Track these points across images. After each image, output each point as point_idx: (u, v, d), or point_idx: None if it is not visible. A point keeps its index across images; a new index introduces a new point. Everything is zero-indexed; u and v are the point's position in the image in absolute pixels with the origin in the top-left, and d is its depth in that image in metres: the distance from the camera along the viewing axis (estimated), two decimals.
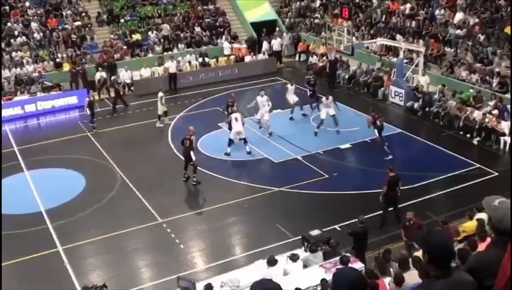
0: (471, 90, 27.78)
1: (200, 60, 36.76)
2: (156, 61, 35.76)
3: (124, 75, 34.25)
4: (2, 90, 31.52)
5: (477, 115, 25.87)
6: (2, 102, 30.32)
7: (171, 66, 34.64)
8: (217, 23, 40.64)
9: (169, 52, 37.07)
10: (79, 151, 25.84)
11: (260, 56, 38.08)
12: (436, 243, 4.48)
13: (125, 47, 36.83)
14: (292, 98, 28.85)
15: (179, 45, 38.02)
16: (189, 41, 38.42)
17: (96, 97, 33.05)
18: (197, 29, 39.54)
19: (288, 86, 29.30)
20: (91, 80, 33.69)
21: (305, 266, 14.43)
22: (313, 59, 37.21)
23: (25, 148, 26.07)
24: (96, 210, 20.71)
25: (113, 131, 28.18)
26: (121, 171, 23.49)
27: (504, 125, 24.76)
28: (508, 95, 26.61)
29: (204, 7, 41.51)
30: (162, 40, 37.85)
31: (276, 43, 38.79)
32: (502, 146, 24.57)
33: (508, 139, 24.37)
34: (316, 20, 40.90)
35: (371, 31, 36.52)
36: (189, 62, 36.03)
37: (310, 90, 29.74)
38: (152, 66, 35.21)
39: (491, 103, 26.25)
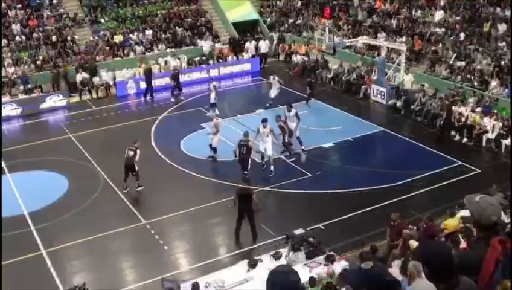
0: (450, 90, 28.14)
1: (185, 59, 36.71)
2: (138, 62, 35.63)
3: (105, 76, 34.09)
4: (1, 90, 31.40)
5: (459, 112, 25.99)
6: None
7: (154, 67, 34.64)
8: (198, 23, 40.62)
9: (151, 53, 37.08)
10: (61, 153, 25.68)
11: (244, 55, 38.12)
12: (434, 254, 4.47)
13: (107, 48, 36.70)
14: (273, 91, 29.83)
15: (160, 46, 37.96)
16: (170, 42, 38.38)
17: (77, 99, 33.01)
18: (179, 30, 39.45)
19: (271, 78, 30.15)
20: (73, 81, 33.57)
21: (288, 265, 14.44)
22: (296, 58, 37.28)
23: (7, 151, 25.80)
24: (79, 212, 20.58)
25: (96, 132, 28.04)
26: (103, 173, 23.39)
27: (486, 123, 24.93)
28: (487, 92, 26.89)
29: (186, 7, 41.45)
30: (143, 41, 37.76)
31: (264, 45, 38.88)
32: (484, 143, 24.72)
33: (490, 136, 24.58)
34: (298, 21, 40.98)
35: (354, 30, 36.65)
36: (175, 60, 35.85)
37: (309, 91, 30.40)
38: (134, 66, 35.08)
39: (471, 100, 26.47)
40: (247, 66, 37.55)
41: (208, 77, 35.56)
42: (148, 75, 33.18)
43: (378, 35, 34.22)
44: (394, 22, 35.00)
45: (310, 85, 30.66)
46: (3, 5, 36.92)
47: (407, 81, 30.16)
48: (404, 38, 33.00)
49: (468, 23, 31.75)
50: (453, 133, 25.68)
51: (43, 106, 31.86)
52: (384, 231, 16.65)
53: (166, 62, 35.33)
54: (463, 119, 25.52)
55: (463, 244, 11.56)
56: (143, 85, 33.46)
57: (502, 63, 27.85)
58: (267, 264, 14.35)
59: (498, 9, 30.99)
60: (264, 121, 23.23)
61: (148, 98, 33.04)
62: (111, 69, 34.62)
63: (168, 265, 17.48)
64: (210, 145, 23.98)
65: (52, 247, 18.45)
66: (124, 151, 23.78)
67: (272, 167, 22.93)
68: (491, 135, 24.61)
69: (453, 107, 26.08)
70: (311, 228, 17.77)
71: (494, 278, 4.42)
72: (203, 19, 41.07)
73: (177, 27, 39.71)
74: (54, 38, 36.45)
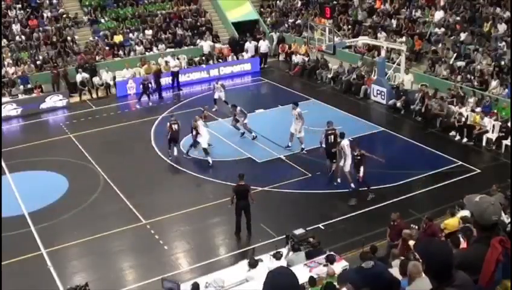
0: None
1: (185, 59, 36.74)
2: (138, 62, 35.67)
3: (105, 76, 34.09)
4: (1, 90, 31.41)
5: (459, 112, 26.01)
6: None
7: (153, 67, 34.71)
8: (198, 23, 40.60)
9: (151, 53, 37.08)
10: (61, 153, 25.68)
11: (244, 55, 38.15)
12: (434, 252, 4.46)
13: (107, 48, 36.68)
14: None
15: (160, 46, 37.93)
16: (170, 42, 38.37)
17: (77, 99, 33.00)
18: (179, 31, 39.42)
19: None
20: (73, 81, 33.58)
21: (289, 265, 14.46)
22: (296, 58, 37.29)
23: (7, 151, 25.78)
24: (79, 212, 20.58)
25: (96, 132, 28.03)
26: (103, 173, 23.38)
27: (486, 123, 24.94)
28: (487, 92, 26.90)
29: (186, 7, 41.43)
30: (143, 41, 37.74)
31: (264, 45, 38.90)
32: (484, 143, 24.72)
33: (490, 136, 24.60)
34: (298, 21, 40.97)
35: (354, 30, 36.62)
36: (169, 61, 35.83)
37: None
38: (134, 66, 35.12)
39: (471, 100, 26.48)
40: (247, 66, 37.51)
41: (208, 76, 35.55)
42: (158, 75, 33.39)
43: (378, 35, 34.19)
44: (394, 22, 34.97)
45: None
46: (3, 5, 36.90)
47: (407, 81, 30.15)
48: (404, 38, 32.97)
49: (468, 23, 31.75)
50: (453, 133, 25.69)
51: (43, 106, 31.85)
52: (384, 231, 16.66)
53: (166, 62, 35.24)
54: (463, 119, 25.53)
55: (463, 244, 11.57)
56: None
57: (502, 63, 27.84)
58: (267, 264, 14.35)
59: (498, 9, 30.99)
60: (294, 103, 24.79)
61: (154, 97, 33.05)
62: (111, 69, 34.59)
63: (168, 265, 17.49)
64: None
65: (52, 247, 18.45)
66: (123, 151, 23.93)
67: (302, 145, 24.44)
68: (491, 135, 24.62)
69: (442, 102, 26.25)
70: (311, 228, 17.79)
71: (494, 279, 4.42)
72: (203, 19, 41.03)
73: (177, 27, 39.70)
74: (54, 38, 36.44)
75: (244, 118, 26.14)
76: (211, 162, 23.74)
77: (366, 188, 20.54)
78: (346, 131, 25.58)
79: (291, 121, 24.76)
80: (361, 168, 20.01)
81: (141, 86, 32.19)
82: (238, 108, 26.30)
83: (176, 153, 24.59)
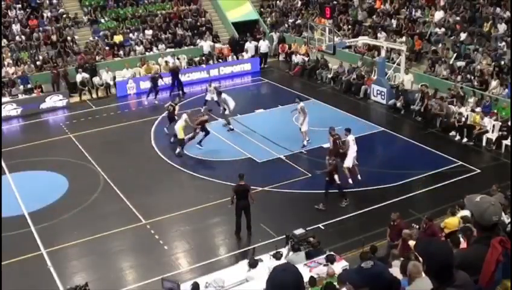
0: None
1: (185, 59, 36.75)
2: (138, 62, 35.69)
3: (105, 76, 34.09)
4: (1, 90, 31.40)
5: (459, 112, 26.00)
6: None
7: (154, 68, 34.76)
8: (198, 23, 40.60)
9: (151, 53, 37.08)
10: (61, 153, 25.68)
11: (244, 55, 38.15)
12: (434, 252, 4.46)
13: (107, 48, 36.68)
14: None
15: (160, 46, 37.93)
16: (170, 42, 38.38)
17: (77, 99, 33.01)
18: (180, 31, 39.43)
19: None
20: (73, 81, 33.57)
21: None
22: (296, 58, 37.29)
23: (7, 151, 25.78)
24: (79, 212, 20.58)
25: (96, 132, 28.03)
26: (103, 173, 23.37)
27: (486, 123, 24.93)
28: (487, 92, 26.89)
29: (186, 7, 41.44)
30: (143, 41, 37.73)
31: (264, 45, 38.91)
32: (484, 143, 24.71)
33: (490, 136, 24.59)
34: (298, 21, 40.97)
35: (354, 30, 36.62)
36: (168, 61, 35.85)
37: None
38: (134, 66, 35.14)
39: (471, 100, 26.48)
40: (247, 66, 37.52)
41: (208, 76, 35.54)
42: (177, 73, 33.69)
43: (378, 35, 34.21)
44: (394, 22, 34.99)
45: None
46: (3, 5, 36.86)
47: (407, 81, 30.14)
48: (404, 38, 32.98)
49: (468, 23, 31.76)
50: (453, 133, 25.69)
51: (43, 106, 31.85)
52: (384, 231, 16.66)
53: (166, 62, 35.24)
54: (463, 119, 25.52)
55: (463, 244, 11.56)
56: (143, 85, 33.47)
57: (502, 63, 27.85)
58: (267, 264, 14.35)
59: (498, 9, 30.99)
60: (298, 98, 25.80)
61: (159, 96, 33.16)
62: (111, 69, 34.59)
63: (168, 265, 17.48)
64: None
65: (52, 247, 18.45)
66: (123, 151, 23.86)
67: (304, 142, 24.88)
68: (491, 135, 24.61)
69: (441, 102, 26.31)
70: (311, 228, 17.79)
71: (494, 279, 4.42)
72: (203, 19, 41.05)
73: (177, 27, 39.70)
74: (54, 38, 36.45)
75: (228, 107, 27.21)
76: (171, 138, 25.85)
77: (337, 191, 20.64)
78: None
79: (291, 121, 24.77)
80: (336, 176, 20.21)
81: (150, 80, 32.45)
82: (223, 96, 27.69)
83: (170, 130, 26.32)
